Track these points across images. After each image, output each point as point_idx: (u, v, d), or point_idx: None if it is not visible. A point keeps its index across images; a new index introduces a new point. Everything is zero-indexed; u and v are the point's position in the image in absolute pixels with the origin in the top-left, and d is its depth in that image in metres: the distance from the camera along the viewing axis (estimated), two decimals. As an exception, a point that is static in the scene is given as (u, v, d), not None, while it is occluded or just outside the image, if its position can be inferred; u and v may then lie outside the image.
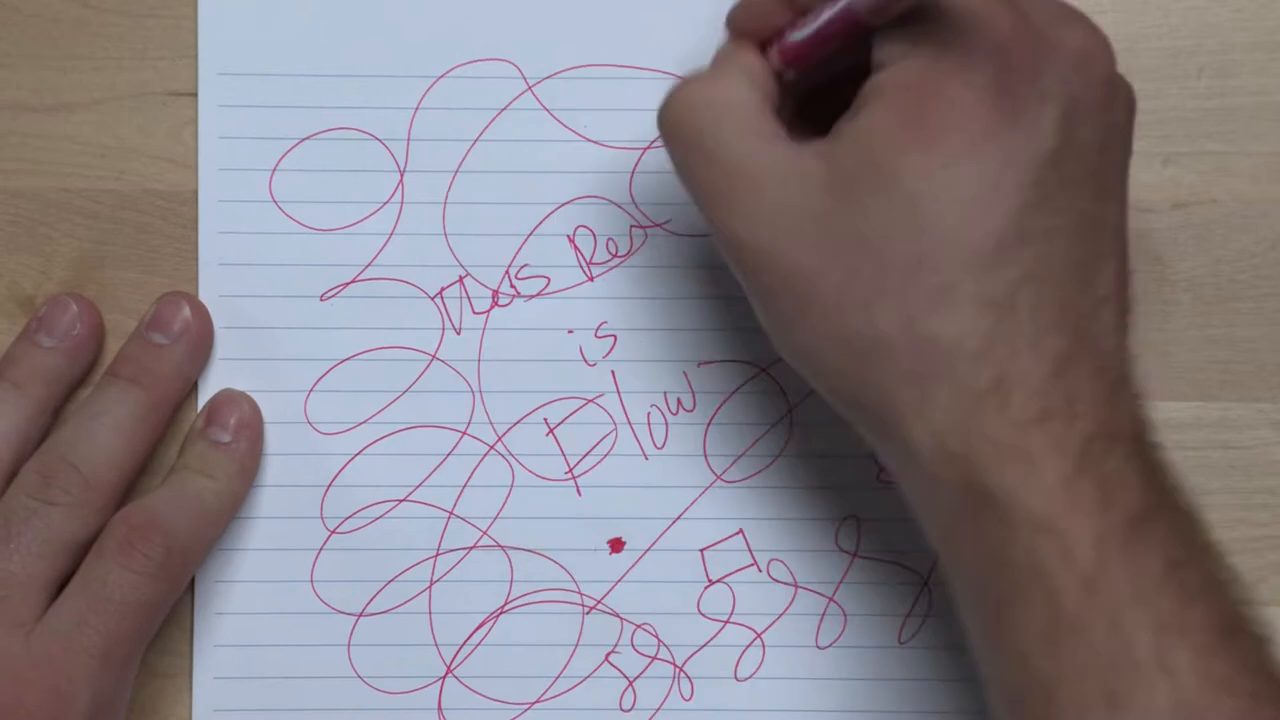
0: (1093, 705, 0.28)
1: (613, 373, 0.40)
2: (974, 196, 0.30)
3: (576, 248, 0.40)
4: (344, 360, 0.40)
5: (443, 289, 0.40)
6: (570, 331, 0.40)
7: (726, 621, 0.40)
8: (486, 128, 0.40)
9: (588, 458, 0.40)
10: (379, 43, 0.40)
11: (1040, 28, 0.31)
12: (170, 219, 0.40)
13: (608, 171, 0.40)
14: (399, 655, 0.39)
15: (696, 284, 0.40)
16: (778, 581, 0.40)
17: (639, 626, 0.40)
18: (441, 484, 0.40)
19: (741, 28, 0.34)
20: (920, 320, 0.30)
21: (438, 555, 0.40)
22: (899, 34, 0.31)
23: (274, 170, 0.40)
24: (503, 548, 0.40)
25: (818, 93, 0.34)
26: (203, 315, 0.39)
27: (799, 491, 0.40)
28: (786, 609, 0.40)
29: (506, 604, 0.40)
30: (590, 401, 0.40)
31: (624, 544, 0.40)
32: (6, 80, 0.40)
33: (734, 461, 0.40)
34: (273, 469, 0.39)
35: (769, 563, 0.40)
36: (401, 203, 0.40)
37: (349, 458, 0.40)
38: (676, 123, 0.33)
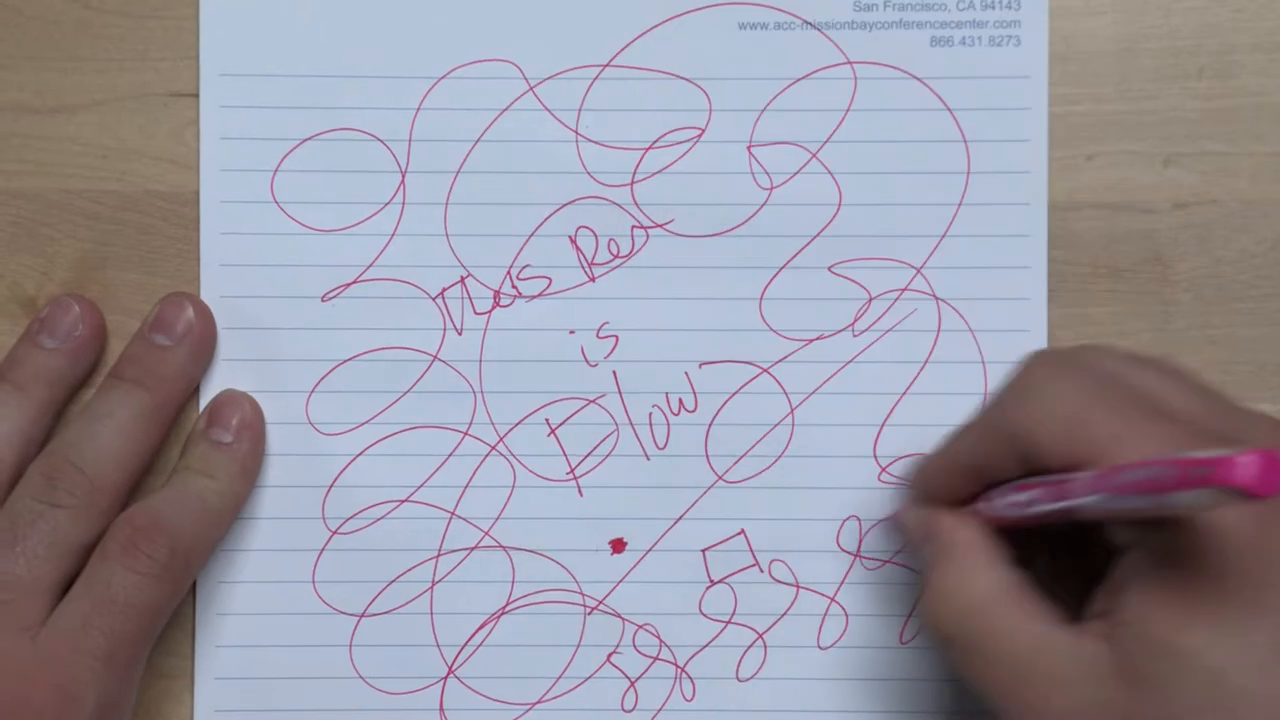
0: None
1: (614, 373, 0.40)
2: (1273, 654, 0.29)
3: (578, 248, 0.40)
4: (345, 361, 0.40)
5: (444, 289, 0.40)
6: (572, 332, 0.40)
7: (728, 622, 0.40)
8: (488, 128, 0.40)
9: (589, 458, 0.40)
10: (380, 44, 0.40)
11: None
12: (172, 220, 0.40)
13: (609, 172, 0.40)
14: (400, 656, 0.39)
15: (698, 285, 0.40)
16: (779, 582, 0.40)
17: (640, 627, 0.40)
18: (443, 484, 0.40)
19: (933, 494, 0.34)
20: None
21: (439, 556, 0.40)
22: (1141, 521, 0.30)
23: (275, 171, 0.40)
24: (504, 548, 0.40)
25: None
26: (205, 316, 0.39)
27: (800, 492, 0.40)
28: (788, 609, 0.40)
29: (508, 604, 0.40)
30: (592, 402, 0.40)
31: (625, 544, 0.40)
32: (8, 81, 0.40)
33: (735, 462, 0.40)
34: (274, 470, 0.39)
35: (770, 563, 0.40)
36: (403, 203, 0.40)
37: (350, 458, 0.40)
38: (948, 635, 0.32)
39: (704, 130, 0.40)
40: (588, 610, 0.40)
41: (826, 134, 0.40)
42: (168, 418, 0.38)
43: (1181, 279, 0.40)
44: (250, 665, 0.39)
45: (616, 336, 0.40)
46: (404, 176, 0.40)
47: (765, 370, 0.40)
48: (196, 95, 0.40)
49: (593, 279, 0.40)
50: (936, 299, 0.40)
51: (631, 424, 0.40)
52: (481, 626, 0.39)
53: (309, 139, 0.40)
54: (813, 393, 0.40)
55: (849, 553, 0.40)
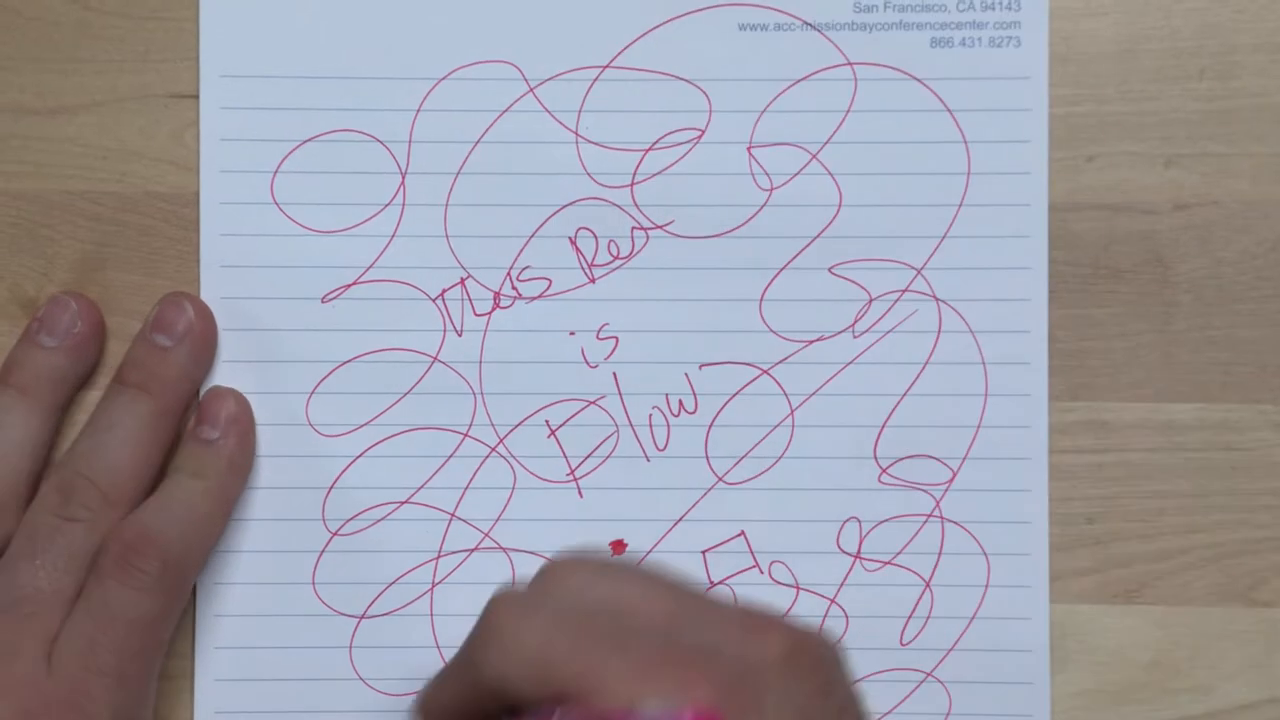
0: None
1: (614, 374, 0.40)
2: None
3: (578, 249, 0.40)
4: (345, 362, 0.40)
5: (444, 291, 0.40)
6: (572, 333, 0.40)
7: (728, 623, 0.40)
8: (488, 129, 0.40)
9: (589, 459, 0.40)
10: (380, 45, 0.40)
11: (740, 661, 0.30)
12: (172, 221, 0.40)
13: (609, 173, 0.40)
14: (400, 657, 0.39)
15: (698, 286, 0.40)
16: (779, 583, 0.40)
17: (641, 628, 0.40)
18: (443, 486, 0.40)
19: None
20: None
21: (439, 557, 0.40)
22: None
23: (275, 172, 0.40)
24: (504, 550, 0.40)
25: None
26: (206, 315, 0.39)
27: (800, 493, 0.40)
28: (788, 611, 0.40)
29: (508, 606, 0.40)
30: (592, 403, 0.40)
31: (626, 546, 0.40)
32: (8, 83, 0.40)
33: (736, 463, 0.40)
34: (274, 471, 0.39)
35: (770, 565, 0.40)
36: (403, 205, 0.40)
37: (350, 460, 0.40)
38: None
39: (704, 131, 0.40)
40: (588, 612, 0.40)
41: (827, 135, 0.40)
42: (173, 420, 0.38)
43: (1182, 280, 0.40)
44: (250, 667, 0.39)
45: (616, 338, 0.40)
46: (404, 178, 0.40)
47: (765, 371, 0.40)
48: (196, 96, 0.40)
49: (593, 280, 0.40)
50: (937, 300, 0.40)
51: (631, 425, 0.40)
52: (481, 628, 0.39)
53: (309, 140, 0.40)
54: (813, 394, 0.40)
55: (849, 554, 0.40)
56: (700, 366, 0.40)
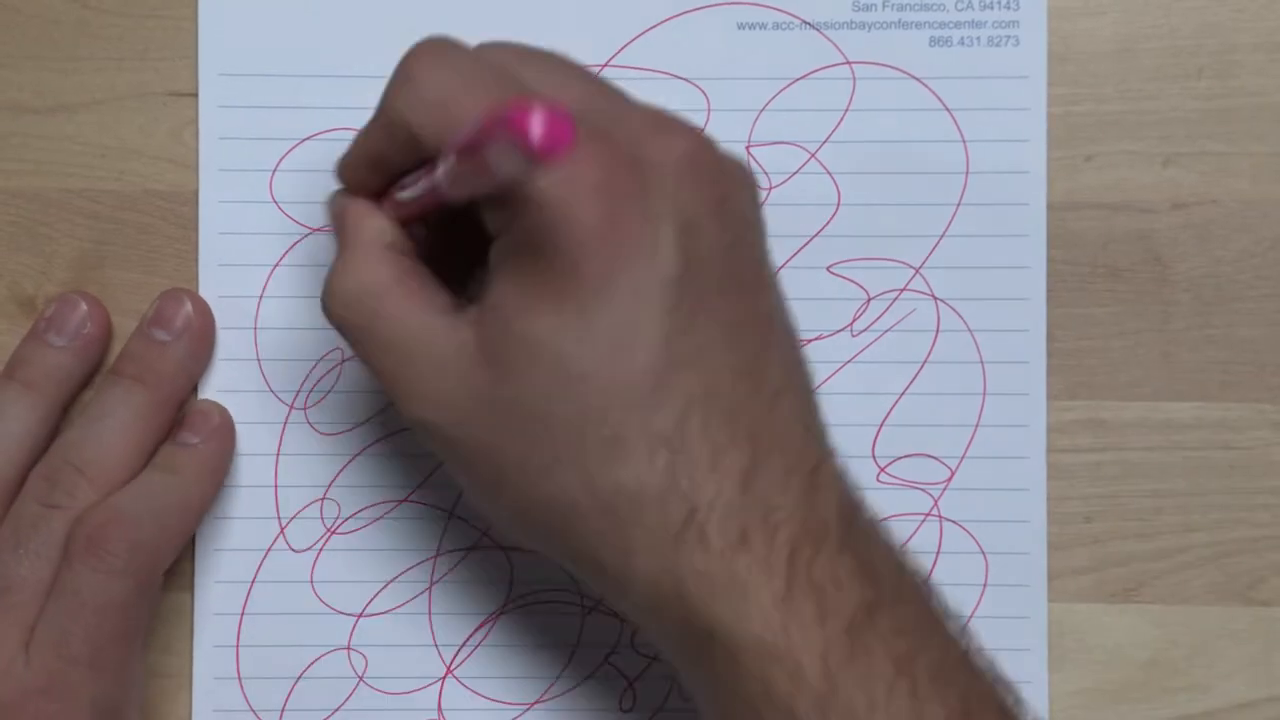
0: None
1: (613, 373, 0.40)
2: (615, 340, 0.29)
3: (576, 248, 0.40)
4: (344, 361, 0.40)
5: (443, 289, 0.40)
6: (570, 332, 0.40)
7: (726, 622, 0.40)
8: (486, 128, 0.40)
9: (587, 458, 0.40)
10: (379, 43, 0.40)
11: (635, 146, 0.30)
12: (170, 219, 0.40)
13: (608, 172, 0.40)
14: (399, 656, 0.39)
15: (696, 284, 0.40)
16: (778, 582, 0.40)
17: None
18: (441, 484, 0.40)
19: (351, 185, 0.34)
20: (599, 476, 0.29)
21: (437, 556, 0.40)
22: (499, 203, 0.30)
23: (274, 171, 0.40)
24: (502, 548, 0.40)
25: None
26: (204, 311, 0.39)
27: (799, 492, 0.40)
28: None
29: (506, 604, 0.40)
30: (590, 402, 0.40)
31: (624, 544, 0.40)
32: (7, 81, 0.40)
33: (734, 462, 0.40)
34: (272, 469, 0.39)
35: (769, 563, 0.40)
36: (401, 203, 0.40)
37: (349, 458, 0.40)
38: (341, 321, 0.33)
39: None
40: (586, 610, 0.40)
41: (825, 134, 0.40)
42: (168, 414, 0.38)
43: (1181, 279, 0.40)
44: (248, 665, 0.39)
45: (615, 336, 0.40)
46: (402, 176, 0.40)
47: (764, 370, 0.40)
48: (195, 95, 0.40)
49: (591, 279, 0.40)
50: (935, 299, 0.40)
51: (630, 424, 0.40)
52: (480, 626, 0.39)
53: (308, 139, 0.40)
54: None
55: (847, 553, 0.40)
56: (698, 365, 0.40)
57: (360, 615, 0.39)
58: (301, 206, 0.40)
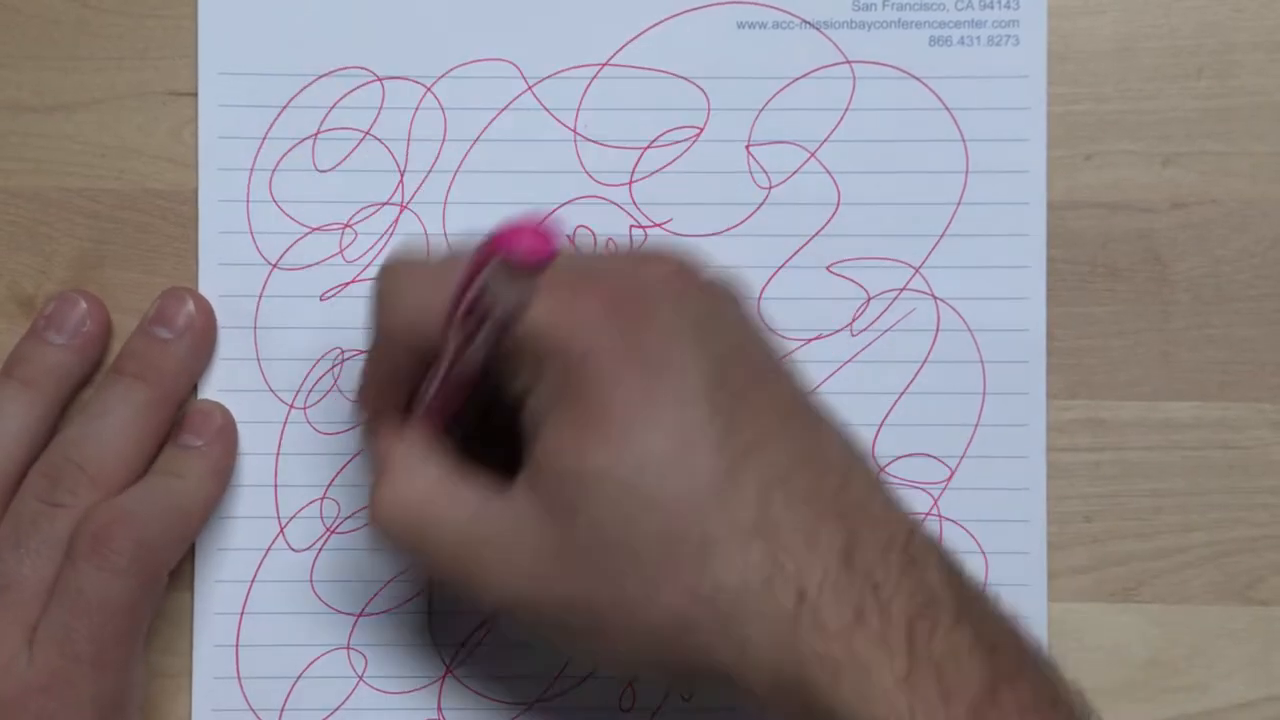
0: None
1: (612, 372, 0.40)
2: (673, 454, 0.30)
3: (577, 248, 0.40)
4: (344, 360, 0.40)
5: (442, 289, 0.40)
6: (570, 331, 0.40)
7: (726, 621, 0.40)
8: (486, 127, 0.40)
9: (587, 457, 0.40)
10: (379, 43, 0.40)
11: (627, 276, 0.31)
12: (170, 218, 0.40)
13: (608, 171, 0.40)
14: (399, 656, 0.39)
15: (696, 284, 0.40)
16: (777, 581, 0.40)
17: (639, 626, 0.40)
18: (441, 484, 0.40)
19: (375, 410, 0.34)
20: (700, 584, 0.29)
21: (437, 555, 0.40)
22: (518, 366, 0.31)
23: (274, 170, 0.40)
24: (502, 547, 0.40)
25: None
26: (206, 310, 0.39)
27: (799, 491, 0.40)
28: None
29: (506, 604, 0.40)
30: (590, 401, 0.40)
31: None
32: (7, 80, 0.40)
33: (734, 461, 0.40)
34: (271, 469, 0.39)
35: (769, 563, 0.40)
36: (402, 203, 0.40)
37: (348, 458, 0.40)
38: (393, 535, 0.33)
39: (702, 129, 0.40)
40: (586, 609, 0.40)
41: (825, 133, 0.40)
42: (169, 413, 0.38)
43: (1180, 279, 0.40)
44: (248, 664, 0.39)
45: (615, 336, 0.40)
46: (402, 176, 0.40)
47: (763, 370, 0.40)
48: (195, 94, 0.40)
49: (591, 278, 0.40)
50: (935, 298, 0.40)
51: (630, 423, 0.40)
52: (480, 626, 0.39)
53: (307, 138, 0.40)
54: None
55: (847, 552, 0.40)
56: (698, 364, 0.40)
57: (360, 615, 0.39)
58: (301, 206, 0.40)
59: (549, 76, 0.40)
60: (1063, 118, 0.40)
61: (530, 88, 0.40)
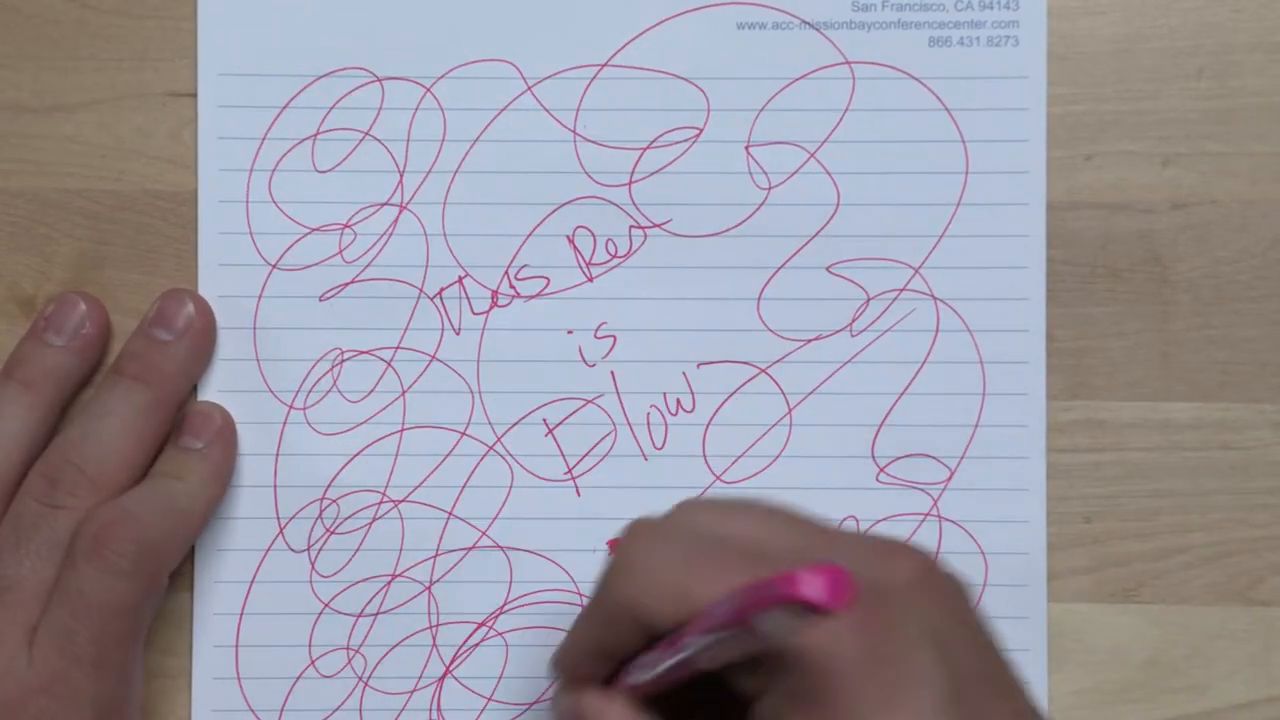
0: None
1: (612, 373, 0.40)
2: None
3: (576, 248, 0.40)
4: (343, 361, 0.40)
5: (442, 289, 0.40)
6: (570, 332, 0.40)
7: (726, 622, 0.40)
8: (486, 128, 0.40)
9: (587, 458, 0.40)
10: (378, 43, 0.40)
11: (875, 578, 0.30)
12: (170, 219, 0.40)
13: (607, 172, 0.40)
14: (398, 656, 0.39)
15: (696, 285, 0.40)
16: (777, 582, 0.40)
17: (638, 627, 0.40)
18: (441, 484, 0.40)
19: (576, 676, 0.33)
20: None
21: (437, 556, 0.40)
22: (754, 664, 0.30)
23: (273, 171, 0.40)
24: (502, 548, 0.40)
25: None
26: (206, 311, 0.39)
27: (798, 492, 0.39)
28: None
29: (506, 604, 0.40)
30: (590, 402, 0.40)
31: (623, 544, 0.40)
32: (6, 81, 0.40)
33: (734, 462, 0.40)
34: (272, 470, 0.39)
35: (768, 563, 0.40)
36: (401, 203, 0.40)
37: (348, 458, 0.40)
38: None
39: (702, 130, 0.40)
40: (585, 610, 0.40)
41: (825, 134, 0.40)
42: (168, 414, 0.38)
43: (1180, 279, 0.40)
44: (248, 665, 0.39)
45: (614, 336, 0.40)
46: (402, 176, 0.40)
47: (763, 370, 0.40)
48: (195, 95, 0.40)
49: (591, 279, 0.40)
50: (935, 299, 0.40)
51: (629, 424, 0.40)
52: (479, 626, 0.39)
53: (307, 139, 0.40)
54: (810, 393, 0.40)
55: (847, 553, 0.40)
56: (698, 365, 0.40)
57: (359, 615, 0.39)
58: (301, 207, 0.40)
59: (549, 77, 0.40)
60: (1062, 118, 0.40)
61: (530, 88, 0.40)
